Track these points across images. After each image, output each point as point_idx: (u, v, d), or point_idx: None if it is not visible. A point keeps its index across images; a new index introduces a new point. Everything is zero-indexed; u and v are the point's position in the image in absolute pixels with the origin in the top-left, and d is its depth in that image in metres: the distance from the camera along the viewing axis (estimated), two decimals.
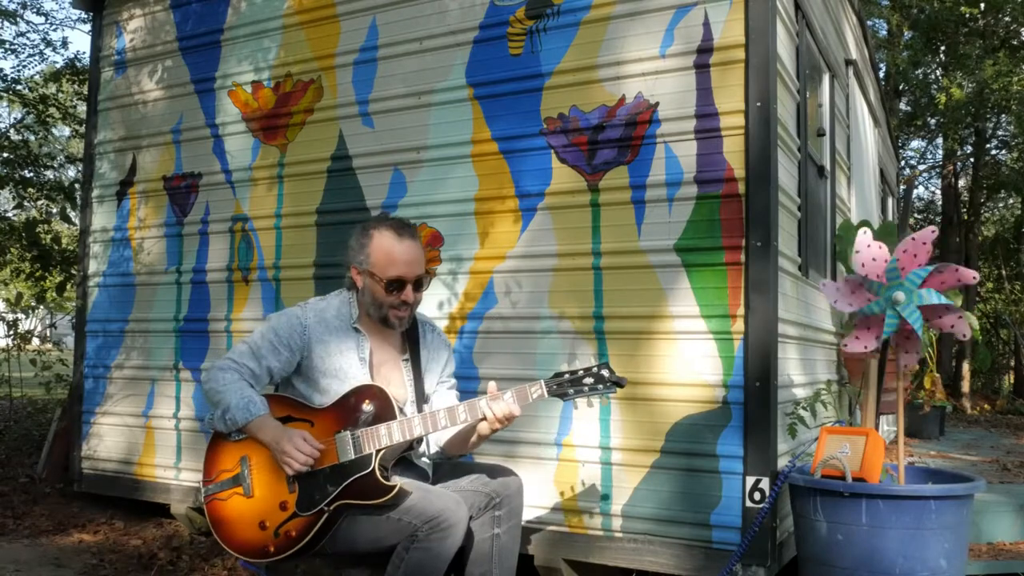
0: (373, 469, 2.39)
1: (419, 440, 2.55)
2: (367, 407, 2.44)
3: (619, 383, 2.44)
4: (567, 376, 2.45)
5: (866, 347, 2.89)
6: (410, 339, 2.70)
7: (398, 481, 2.42)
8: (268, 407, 2.49)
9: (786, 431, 3.32)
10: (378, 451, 2.40)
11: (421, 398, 2.66)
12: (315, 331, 2.57)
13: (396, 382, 2.63)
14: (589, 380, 2.43)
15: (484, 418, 2.46)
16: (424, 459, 2.74)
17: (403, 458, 2.65)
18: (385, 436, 2.40)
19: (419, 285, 2.57)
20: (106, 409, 4.78)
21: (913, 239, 2.78)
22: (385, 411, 2.43)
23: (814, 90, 4.50)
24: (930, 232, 2.77)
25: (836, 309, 2.98)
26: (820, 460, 2.85)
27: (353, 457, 2.40)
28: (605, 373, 2.44)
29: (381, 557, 2.44)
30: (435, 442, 2.73)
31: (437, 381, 2.77)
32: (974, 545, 3.79)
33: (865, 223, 4.82)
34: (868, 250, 2.85)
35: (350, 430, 2.42)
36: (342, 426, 2.44)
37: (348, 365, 2.56)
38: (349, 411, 2.45)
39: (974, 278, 2.74)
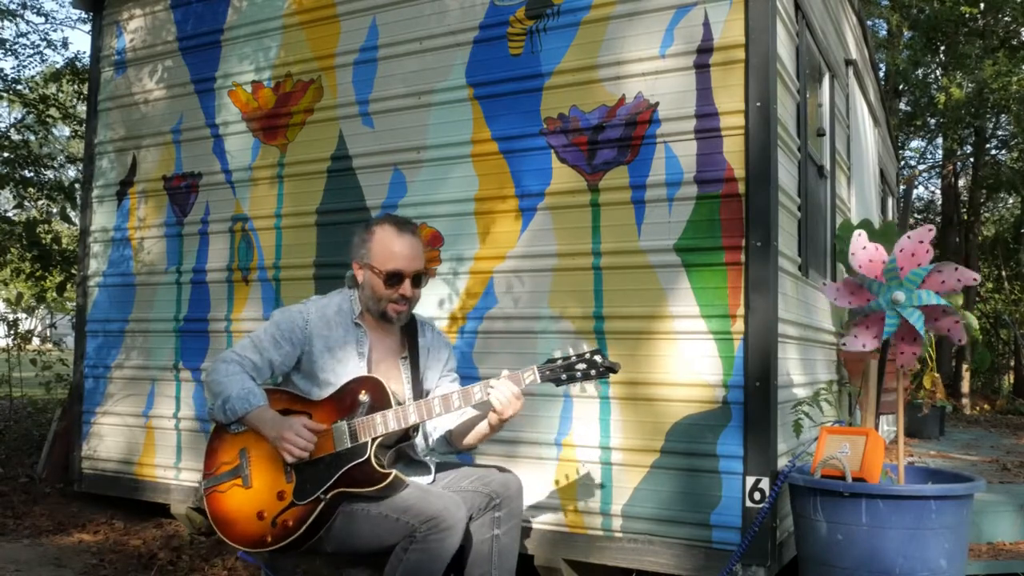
0: (369, 457, 2.42)
1: (415, 429, 2.57)
2: (363, 397, 2.47)
3: (612, 368, 2.47)
4: (560, 362, 2.49)
5: (864, 346, 2.88)
6: (409, 338, 2.73)
7: (395, 471, 2.45)
8: (267, 399, 2.53)
9: (790, 429, 3.32)
10: (374, 439, 2.43)
11: (419, 396, 2.67)
12: (316, 327, 2.62)
13: (394, 379, 2.65)
14: (582, 366, 2.46)
15: (488, 405, 2.49)
16: (427, 456, 2.75)
17: (405, 455, 2.66)
18: (380, 424, 2.44)
19: (418, 281, 2.63)
20: (106, 409, 4.78)
21: (909, 238, 2.77)
22: (381, 401, 2.47)
23: (814, 90, 4.50)
24: (927, 231, 2.75)
25: (836, 306, 2.97)
26: (820, 460, 2.85)
27: (349, 446, 2.44)
28: (598, 359, 2.47)
29: (381, 557, 2.44)
30: (437, 433, 2.76)
31: (438, 378, 2.79)
32: (974, 545, 3.79)
33: (866, 223, 4.82)
34: (864, 252, 2.84)
35: (346, 420, 2.46)
36: (339, 417, 2.48)
37: (347, 360, 2.59)
38: (346, 402, 2.49)
39: (974, 279, 2.73)
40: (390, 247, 2.58)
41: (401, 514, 2.36)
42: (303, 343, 2.60)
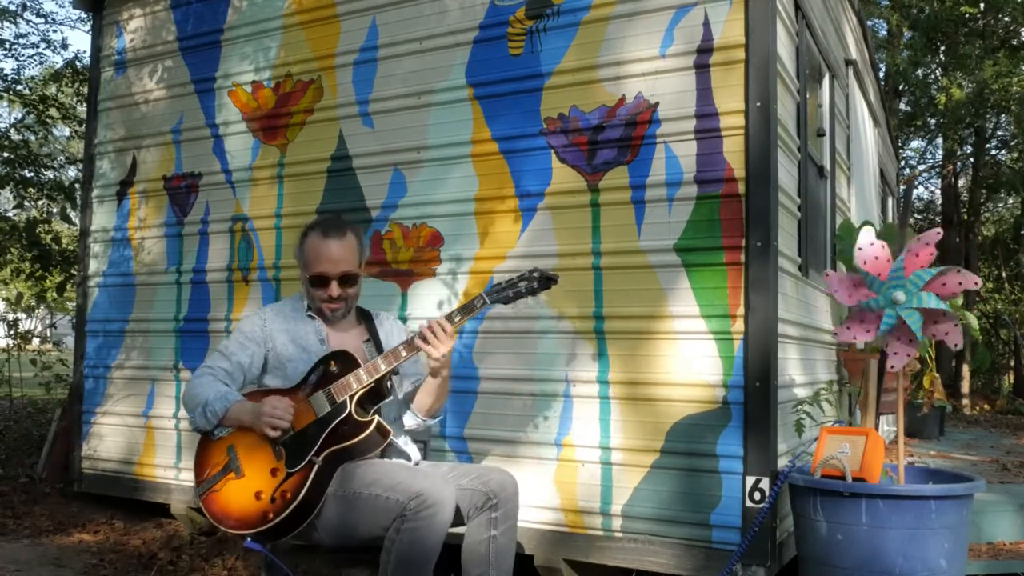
0: (350, 411, 2.52)
1: (389, 381, 2.66)
2: (333, 368, 2.59)
3: (552, 278, 2.64)
4: (503, 283, 2.65)
5: (855, 338, 2.88)
6: (366, 323, 2.87)
7: (377, 417, 2.55)
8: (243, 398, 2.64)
9: (792, 428, 3.32)
10: (351, 396, 2.54)
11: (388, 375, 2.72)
12: (274, 323, 2.77)
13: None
14: (524, 283, 2.63)
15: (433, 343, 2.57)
16: (410, 446, 2.81)
17: (389, 443, 2.69)
18: (355, 382, 2.55)
19: (348, 281, 2.74)
20: (106, 409, 4.78)
21: (919, 239, 2.76)
22: (351, 366, 2.58)
23: (814, 90, 4.50)
24: (935, 234, 2.75)
25: (836, 300, 2.96)
26: (820, 460, 2.85)
27: (329, 409, 2.54)
28: (537, 274, 2.63)
29: (379, 555, 2.44)
30: (404, 391, 2.84)
31: None
32: (974, 545, 3.79)
33: (867, 223, 4.82)
34: (871, 248, 2.83)
35: (322, 389, 2.56)
36: (315, 392, 2.58)
37: (310, 346, 2.73)
38: (318, 378, 2.60)
39: (976, 283, 2.73)
40: (314, 252, 2.71)
41: (390, 492, 2.41)
42: (265, 341, 2.73)
